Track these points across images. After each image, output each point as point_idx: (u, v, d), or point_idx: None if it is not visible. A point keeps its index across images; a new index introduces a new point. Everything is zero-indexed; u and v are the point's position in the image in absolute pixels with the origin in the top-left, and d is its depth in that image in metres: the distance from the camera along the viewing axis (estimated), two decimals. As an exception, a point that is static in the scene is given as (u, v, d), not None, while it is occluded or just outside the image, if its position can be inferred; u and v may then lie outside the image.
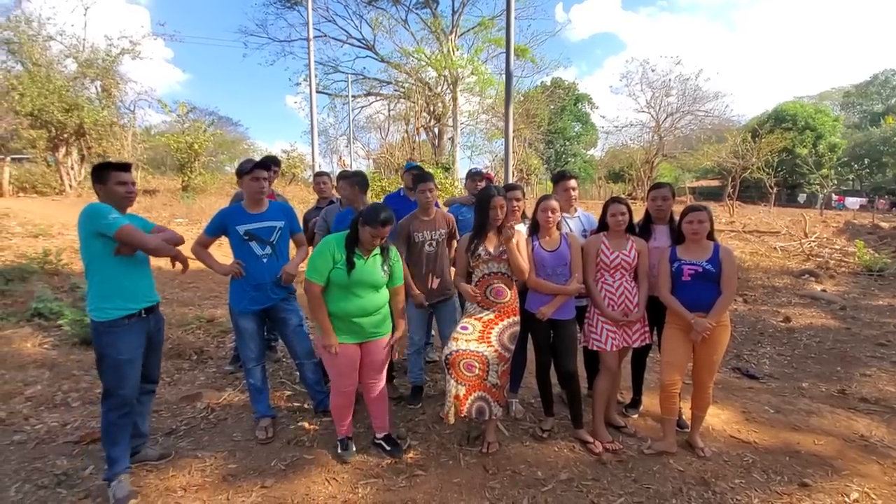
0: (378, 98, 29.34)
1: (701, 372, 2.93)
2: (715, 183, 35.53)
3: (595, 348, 3.07)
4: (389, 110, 29.64)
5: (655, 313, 3.15)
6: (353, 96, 28.02)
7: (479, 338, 2.73)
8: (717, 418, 3.44)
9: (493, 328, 2.78)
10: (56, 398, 3.48)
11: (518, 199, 3.27)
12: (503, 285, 2.84)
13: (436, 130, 27.78)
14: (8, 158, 14.05)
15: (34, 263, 6.27)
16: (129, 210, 2.61)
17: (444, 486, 2.55)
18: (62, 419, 3.22)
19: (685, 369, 2.98)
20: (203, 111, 32.79)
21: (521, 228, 3.22)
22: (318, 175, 4.28)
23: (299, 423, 3.19)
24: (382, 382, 2.88)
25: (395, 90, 28.04)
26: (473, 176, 4.14)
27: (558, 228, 3.07)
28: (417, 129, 24.07)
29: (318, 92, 26.63)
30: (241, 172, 2.92)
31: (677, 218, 3.03)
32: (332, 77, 27.17)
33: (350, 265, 2.54)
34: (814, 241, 12.02)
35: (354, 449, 2.84)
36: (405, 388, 3.71)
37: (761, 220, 18.44)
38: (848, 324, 6.04)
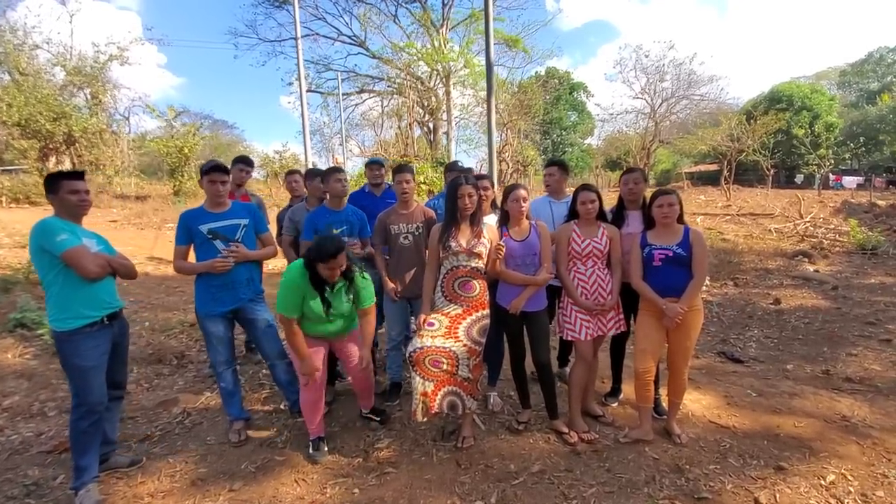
0: (371, 95, 29.17)
1: (675, 358, 2.90)
2: (713, 167, 35.34)
3: (569, 338, 3.03)
4: (383, 107, 29.50)
5: (631, 300, 3.12)
6: (346, 94, 27.85)
7: (445, 333, 2.69)
8: (698, 404, 3.41)
9: (460, 323, 2.74)
10: (33, 408, 3.47)
11: (486, 189, 3.22)
12: (472, 279, 2.80)
13: (430, 125, 27.62)
14: (-1, 169, 14.05)
15: (19, 274, 6.25)
16: (87, 218, 2.60)
17: (415, 482, 2.53)
18: (37, 429, 3.20)
19: (659, 356, 2.94)
20: (198, 115, 32.80)
21: (492, 220, 3.19)
22: (290, 174, 4.24)
23: (274, 425, 3.17)
24: (368, 366, 2.98)
25: (388, 86, 27.87)
26: (451, 169, 4.10)
27: (527, 218, 3.03)
28: (410, 124, 23.94)
29: (310, 91, 26.55)
30: (201, 173, 2.88)
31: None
32: (325, 76, 26.97)
33: (326, 304, 2.66)
34: (808, 222, 11.95)
35: (326, 449, 2.82)
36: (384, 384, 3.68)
37: (758, 203, 18.35)
38: (838, 304, 6.00)
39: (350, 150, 28.36)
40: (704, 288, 6.90)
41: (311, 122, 28.39)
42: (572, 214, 3.10)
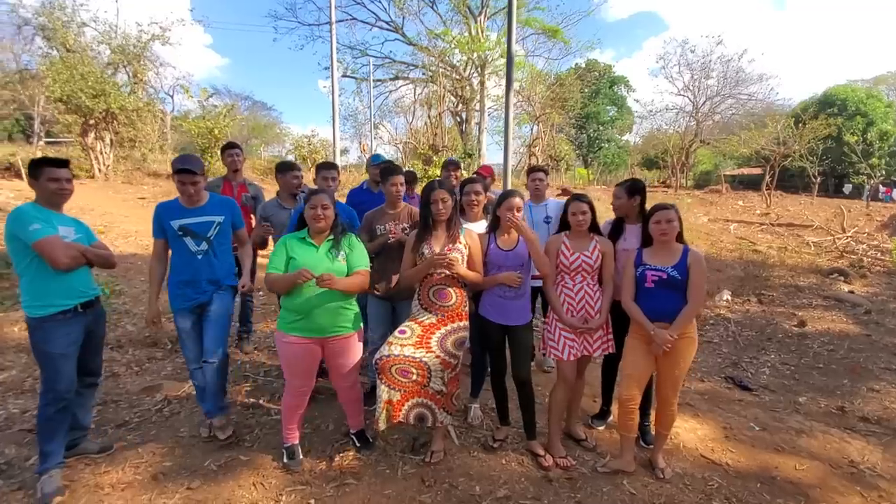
0: (405, 82, 29.07)
1: (664, 387, 2.70)
2: (757, 171, 33.68)
3: (552, 357, 2.87)
4: (416, 94, 29.33)
5: (623, 320, 2.91)
6: (381, 80, 27.86)
7: (416, 343, 2.58)
8: (693, 434, 3.20)
9: (433, 333, 2.62)
10: (25, 384, 3.56)
11: (477, 193, 3.08)
12: (448, 287, 2.67)
13: (463, 115, 27.34)
14: (41, 142, 14.61)
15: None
16: (73, 205, 2.60)
17: (373, 497, 2.44)
18: (24, 406, 3.28)
19: (645, 383, 2.75)
20: (238, 96, 33.41)
21: (479, 227, 3.04)
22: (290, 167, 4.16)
23: (248, 421, 3.15)
24: (355, 385, 2.82)
25: (423, 74, 27.69)
26: (447, 166, 3.96)
27: None
28: (440, 113, 23.69)
29: (345, 76, 26.67)
30: (172, 170, 2.82)
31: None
32: (361, 61, 27.04)
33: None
34: (850, 237, 11.18)
35: (301, 457, 2.72)
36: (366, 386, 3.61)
37: (800, 212, 17.36)
38: (869, 330, 5.56)
39: (380, 137, 28.37)
40: (724, 303, 6.54)
41: (344, 108, 28.64)
42: (563, 226, 2.92)
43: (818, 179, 22.25)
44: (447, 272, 2.63)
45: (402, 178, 3.18)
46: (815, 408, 3.72)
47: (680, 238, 2.66)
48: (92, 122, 14.66)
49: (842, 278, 8.13)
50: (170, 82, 21.15)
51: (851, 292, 7.31)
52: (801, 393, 3.99)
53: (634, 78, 76.24)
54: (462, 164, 3.97)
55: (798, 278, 8.17)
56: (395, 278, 3.22)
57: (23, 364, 3.84)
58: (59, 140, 19.18)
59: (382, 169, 3.26)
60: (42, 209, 2.47)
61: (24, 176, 12.97)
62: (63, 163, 2.55)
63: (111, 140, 15.70)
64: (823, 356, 4.80)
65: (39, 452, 2.47)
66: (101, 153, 15.39)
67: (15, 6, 17.63)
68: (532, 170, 3.75)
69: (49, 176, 2.45)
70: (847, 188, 27.89)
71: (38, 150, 13.88)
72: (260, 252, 3.50)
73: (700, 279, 2.56)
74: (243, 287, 2.96)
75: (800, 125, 21.94)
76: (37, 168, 2.47)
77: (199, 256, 2.78)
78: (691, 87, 32.98)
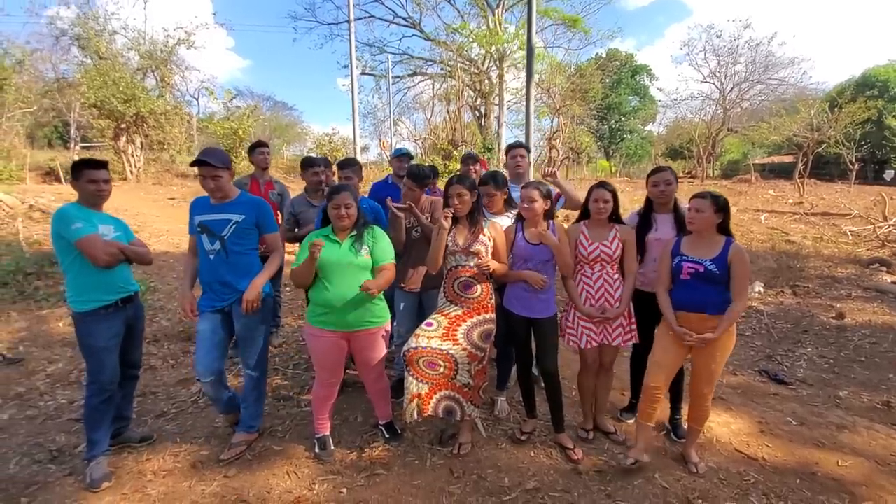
0: (424, 78, 29.06)
1: (698, 381, 2.64)
2: (789, 159, 32.45)
3: (571, 345, 2.86)
4: (434, 90, 29.29)
5: (654, 310, 2.84)
6: (399, 77, 27.92)
7: (443, 335, 2.59)
8: (727, 428, 3.13)
9: (459, 325, 2.63)
10: (71, 376, 3.73)
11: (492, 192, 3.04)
12: (473, 279, 2.67)
13: (482, 109, 27.18)
14: (77, 147, 15.17)
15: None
16: (108, 205, 2.71)
17: (403, 487, 2.47)
18: (72, 396, 3.44)
19: (674, 374, 2.68)
20: (260, 96, 34.01)
21: (504, 221, 3.03)
22: (310, 164, 4.21)
23: (279, 413, 3.22)
24: (382, 376, 2.86)
25: (441, 69, 27.64)
26: (466, 160, 3.94)
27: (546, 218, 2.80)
28: (459, 108, 23.61)
29: (364, 74, 26.87)
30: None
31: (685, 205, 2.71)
32: (379, 58, 27.16)
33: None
34: (892, 225, 10.67)
35: (333, 448, 2.78)
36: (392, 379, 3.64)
37: (835, 201, 16.65)
38: (915, 322, 5.31)
39: (399, 134, 28.45)
40: (756, 296, 6.35)
41: (364, 105, 28.83)
42: (584, 214, 2.88)
43: (856, 166, 21.26)
44: (472, 265, 2.64)
45: (411, 182, 3.13)
46: (857, 402, 3.58)
47: (726, 230, 2.57)
48: (123, 125, 15.18)
49: (883, 268, 7.78)
50: (195, 85, 21.73)
51: (895, 283, 6.99)
52: (842, 387, 3.84)
53: (657, 66, 73.94)
54: (480, 159, 3.92)
55: (835, 269, 7.86)
56: (420, 269, 3.23)
57: (68, 357, 4.02)
58: (93, 144, 19.89)
59: (409, 171, 3.22)
60: (83, 209, 2.57)
61: (62, 179, 13.55)
62: (101, 164, 2.65)
63: (141, 143, 16.22)
64: (865, 349, 4.61)
65: (87, 440, 2.59)
66: (133, 156, 15.92)
67: (53, 18, 18.34)
68: (511, 147, 3.50)
69: (88, 177, 2.55)
70: (889, 174, 26.63)
71: (75, 155, 14.45)
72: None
73: (744, 275, 2.48)
74: (245, 305, 2.62)
75: (835, 109, 21.00)
76: (77, 170, 2.57)
77: (212, 256, 2.67)
78: (718, 74, 31.91)
